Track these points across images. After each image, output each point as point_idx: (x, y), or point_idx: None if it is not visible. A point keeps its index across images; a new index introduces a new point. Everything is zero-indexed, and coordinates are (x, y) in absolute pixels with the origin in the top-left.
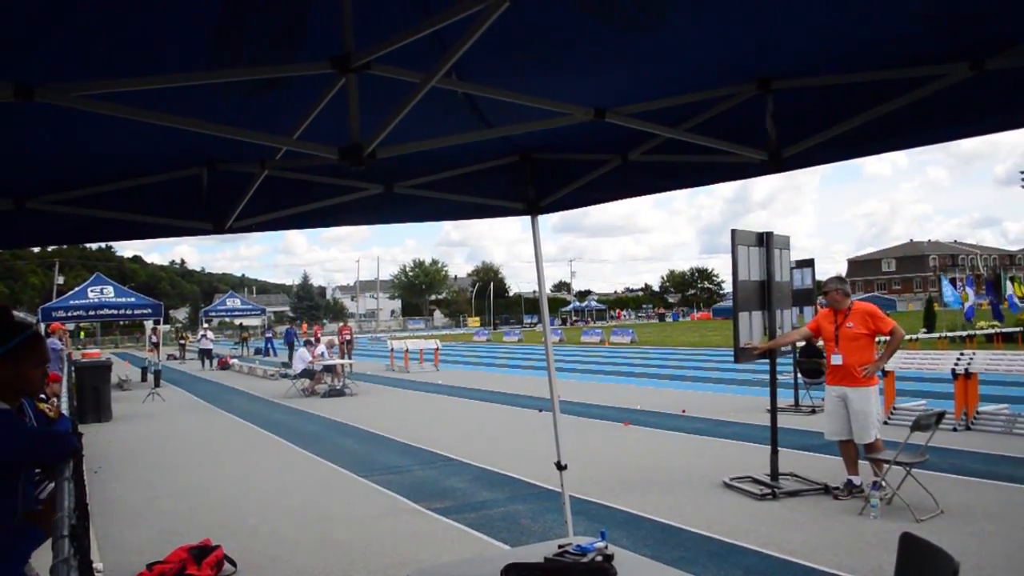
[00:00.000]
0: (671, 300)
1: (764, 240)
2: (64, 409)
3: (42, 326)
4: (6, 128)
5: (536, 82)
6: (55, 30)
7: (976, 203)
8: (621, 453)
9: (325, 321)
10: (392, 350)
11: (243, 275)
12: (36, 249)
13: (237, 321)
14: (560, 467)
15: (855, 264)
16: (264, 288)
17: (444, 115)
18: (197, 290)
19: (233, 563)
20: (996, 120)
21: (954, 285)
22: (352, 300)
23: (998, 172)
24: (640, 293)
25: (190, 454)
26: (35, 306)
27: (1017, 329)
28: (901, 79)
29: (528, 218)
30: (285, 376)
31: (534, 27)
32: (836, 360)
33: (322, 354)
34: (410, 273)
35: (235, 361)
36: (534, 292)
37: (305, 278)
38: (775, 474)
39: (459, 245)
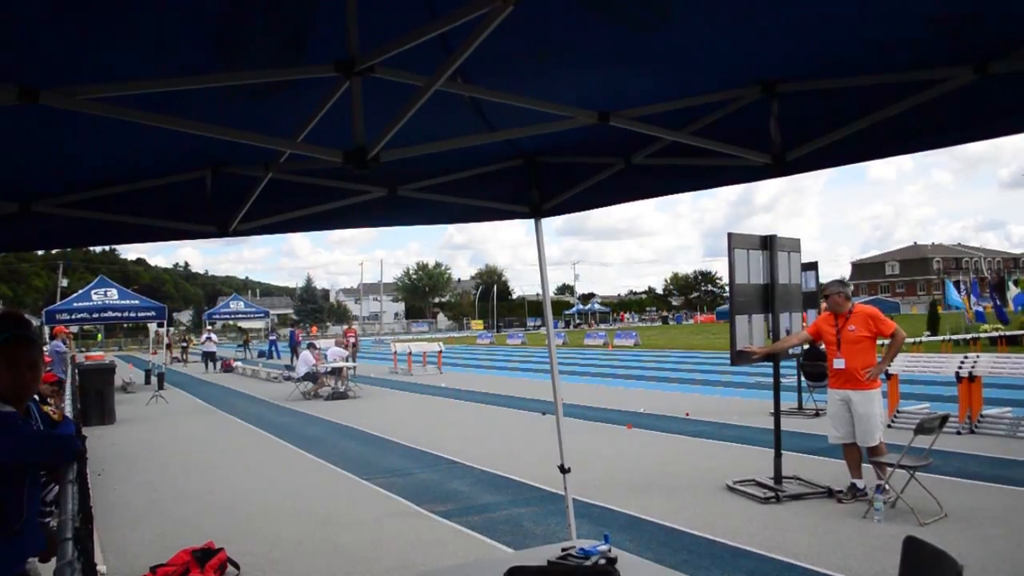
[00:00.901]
0: (674, 303)
1: (767, 243)
2: (68, 412)
3: (45, 328)
4: (11, 131)
5: (540, 85)
6: (60, 33)
7: (980, 206)
8: (624, 456)
9: (328, 324)
10: (395, 353)
11: (247, 278)
12: (40, 252)
13: (240, 324)
14: (563, 470)
15: (859, 267)
16: (268, 291)
17: (448, 118)
18: (201, 293)
19: (236, 566)
20: (1001, 124)
21: (958, 288)
22: (356, 303)
23: (1002, 175)
24: (643, 296)
25: (193, 457)
26: (39, 308)
27: (1021, 332)
28: (906, 82)
29: (532, 221)
30: (288, 379)
31: (538, 30)
32: (839, 364)
33: (326, 356)
34: (414, 276)
35: (238, 364)
36: (537, 295)
37: (309, 281)
38: (778, 477)
39: (463, 248)
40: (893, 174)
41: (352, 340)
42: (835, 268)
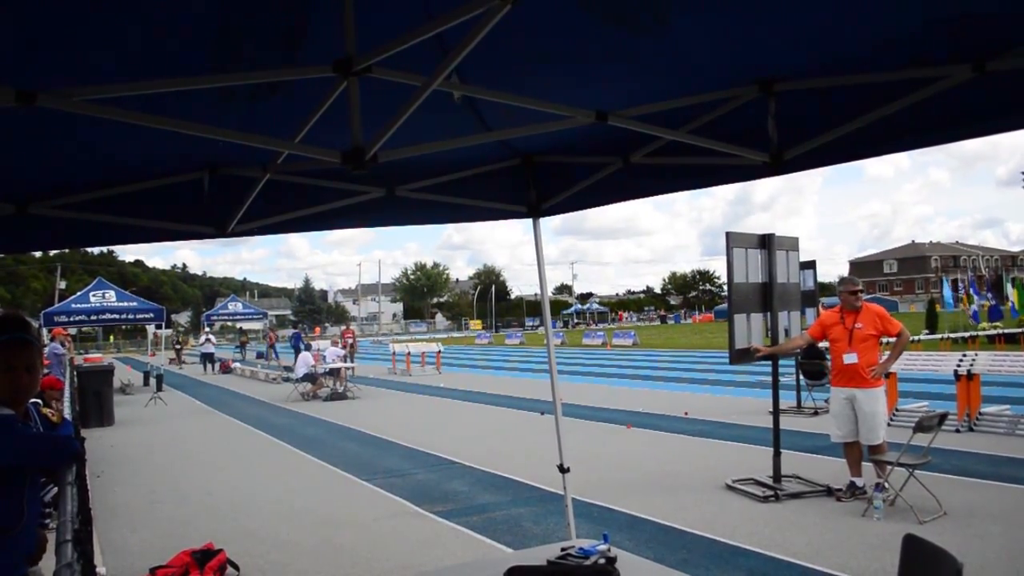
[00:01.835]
0: (673, 302)
1: (766, 242)
2: (67, 414)
3: (44, 331)
4: (8, 133)
5: (538, 85)
6: (57, 35)
7: (978, 204)
8: (623, 456)
9: (327, 324)
10: (394, 353)
11: (244, 279)
12: (38, 253)
13: (239, 325)
14: (562, 470)
15: (857, 266)
16: (266, 292)
17: (446, 118)
18: (199, 294)
19: (236, 567)
20: (998, 121)
21: (955, 287)
22: (354, 303)
23: (1000, 173)
24: (642, 295)
25: (192, 458)
26: (37, 310)
27: (1019, 330)
28: (903, 81)
29: (530, 221)
30: (287, 380)
31: (536, 30)
32: (851, 359)
33: (324, 357)
34: (412, 276)
35: (237, 365)
36: (536, 295)
37: (307, 282)
38: (778, 476)
39: (461, 248)
40: (890, 172)
41: (350, 340)
42: (833, 267)
